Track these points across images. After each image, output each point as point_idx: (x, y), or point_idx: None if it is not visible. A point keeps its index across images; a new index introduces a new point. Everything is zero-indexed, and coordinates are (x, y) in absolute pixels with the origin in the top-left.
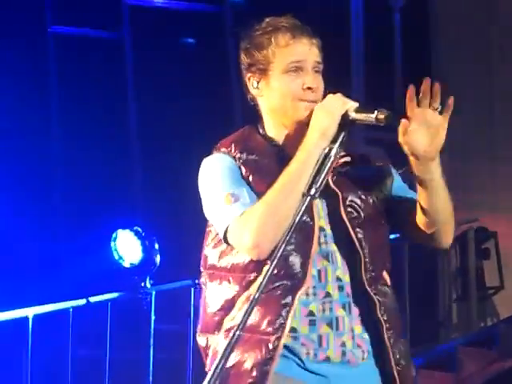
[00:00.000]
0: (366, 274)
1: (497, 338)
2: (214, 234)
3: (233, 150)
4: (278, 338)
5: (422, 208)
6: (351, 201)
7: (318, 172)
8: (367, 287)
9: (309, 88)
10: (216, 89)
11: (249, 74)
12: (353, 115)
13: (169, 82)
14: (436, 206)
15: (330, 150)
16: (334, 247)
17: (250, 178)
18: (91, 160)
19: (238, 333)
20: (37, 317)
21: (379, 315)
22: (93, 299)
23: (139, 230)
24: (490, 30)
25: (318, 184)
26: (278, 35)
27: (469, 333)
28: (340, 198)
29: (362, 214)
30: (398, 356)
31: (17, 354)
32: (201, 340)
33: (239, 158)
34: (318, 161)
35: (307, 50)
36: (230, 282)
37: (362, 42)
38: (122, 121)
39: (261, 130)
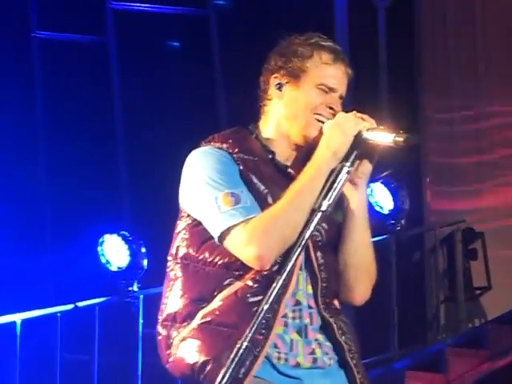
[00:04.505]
0: (321, 298)
1: (485, 338)
2: (190, 223)
3: (230, 147)
4: (265, 339)
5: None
6: (318, 224)
7: (330, 188)
8: (323, 311)
9: (331, 108)
10: (201, 91)
11: (276, 75)
12: (366, 135)
13: (154, 85)
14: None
15: (342, 167)
16: (303, 257)
17: (250, 178)
18: (77, 165)
19: (245, 344)
20: (25, 322)
21: (338, 338)
22: (80, 304)
23: (126, 234)
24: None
25: (331, 201)
26: (321, 52)
27: (457, 334)
28: None
29: (325, 238)
30: (360, 376)
31: (5, 358)
32: (162, 330)
33: (238, 156)
34: (329, 177)
35: (341, 78)
36: (208, 275)
37: (347, 42)
38: (107, 124)
39: (255, 132)
